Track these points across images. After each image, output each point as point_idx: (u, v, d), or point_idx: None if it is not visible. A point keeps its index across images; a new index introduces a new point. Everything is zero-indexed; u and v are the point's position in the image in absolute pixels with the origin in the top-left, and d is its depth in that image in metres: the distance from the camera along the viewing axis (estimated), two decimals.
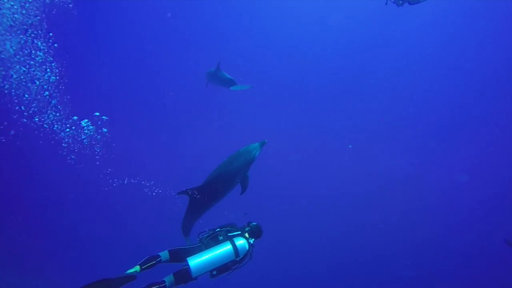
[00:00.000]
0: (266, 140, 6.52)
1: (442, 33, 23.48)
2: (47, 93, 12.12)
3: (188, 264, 4.21)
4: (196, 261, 4.23)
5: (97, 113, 12.29)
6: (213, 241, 4.53)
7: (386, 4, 8.26)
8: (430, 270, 19.81)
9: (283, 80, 23.81)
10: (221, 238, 4.55)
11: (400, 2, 8.19)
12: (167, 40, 23.51)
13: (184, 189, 6.20)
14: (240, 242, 4.48)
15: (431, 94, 23.72)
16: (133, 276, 4.03)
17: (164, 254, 4.46)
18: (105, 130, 12.85)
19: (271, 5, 23.40)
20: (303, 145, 21.82)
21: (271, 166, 16.87)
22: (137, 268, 4.15)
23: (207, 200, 6.58)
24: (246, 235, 4.70)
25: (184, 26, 23.39)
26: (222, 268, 4.40)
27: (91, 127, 13.29)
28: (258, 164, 6.75)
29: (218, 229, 4.77)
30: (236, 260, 4.46)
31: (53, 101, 12.52)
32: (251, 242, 4.68)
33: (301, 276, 18.51)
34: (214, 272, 4.35)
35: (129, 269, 4.11)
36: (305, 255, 18.40)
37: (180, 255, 4.43)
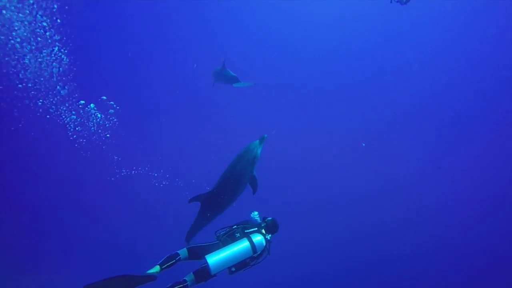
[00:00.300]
0: (266, 135, 6.35)
1: (442, 32, 23.38)
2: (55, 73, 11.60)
3: (207, 262, 4.22)
4: (214, 259, 4.23)
5: (104, 97, 11.72)
6: (230, 238, 4.52)
7: (391, 2, 8.55)
8: (433, 268, 19.47)
9: (289, 80, 23.70)
10: (238, 235, 4.54)
11: (404, 0, 8.54)
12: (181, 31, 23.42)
13: (195, 196, 6.23)
14: (257, 238, 4.46)
15: (432, 93, 23.39)
16: (153, 277, 4.02)
17: (183, 252, 4.44)
18: (111, 111, 12.28)
19: (274, 5, 23.36)
20: (308, 144, 21.72)
21: (274, 165, 16.92)
22: (157, 268, 4.14)
23: (218, 206, 6.61)
24: (263, 231, 4.66)
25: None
26: (240, 265, 4.42)
27: (99, 114, 12.79)
28: (264, 163, 6.65)
29: (235, 226, 4.75)
30: (254, 256, 4.46)
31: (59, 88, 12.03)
32: (268, 238, 4.68)
33: (308, 275, 18.34)
34: (233, 269, 4.38)
35: (149, 269, 4.11)
36: (311, 254, 18.31)
37: (198, 253, 4.41)
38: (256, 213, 5.10)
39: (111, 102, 12.52)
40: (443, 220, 20.38)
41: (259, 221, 4.96)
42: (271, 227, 4.82)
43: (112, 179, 16.40)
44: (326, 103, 23.23)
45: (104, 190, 17.63)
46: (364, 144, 21.46)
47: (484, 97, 22.36)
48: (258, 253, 4.45)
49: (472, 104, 22.55)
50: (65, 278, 14.88)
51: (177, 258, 4.32)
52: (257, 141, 6.38)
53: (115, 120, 13.82)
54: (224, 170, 6.41)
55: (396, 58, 23.61)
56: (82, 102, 11.84)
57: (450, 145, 22.23)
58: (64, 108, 12.01)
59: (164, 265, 4.21)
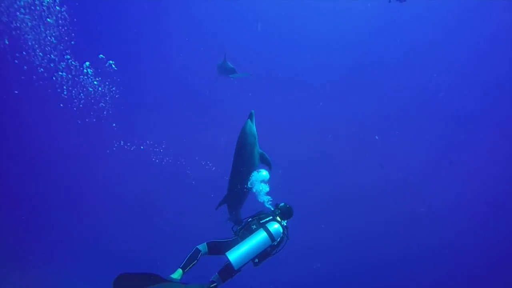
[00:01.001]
0: (253, 111, 6.29)
1: (451, 29, 22.60)
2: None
3: (228, 259, 4.22)
4: (235, 254, 4.23)
5: (102, 56, 9.97)
6: (248, 231, 4.53)
7: (389, 1, 9.01)
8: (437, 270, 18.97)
9: (291, 79, 23.28)
10: (254, 227, 4.55)
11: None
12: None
13: (220, 202, 6.47)
14: (274, 226, 4.46)
15: (434, 93, 22.75)
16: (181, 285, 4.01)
17: (203, 247, 4.42)
18: (112, 63, 10.55)
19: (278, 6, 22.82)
20: (313, 140, 21.38)
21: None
22: (179, 272, 4.14)
23: (243, 194, 6.57)
24: (278, 218, 4.68)
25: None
26: (262, 255, 4.41)
27: (95, 82, 11.05)
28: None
29: (250, 219, 4.74)
30: (274, 245, 4.45)
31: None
32: (284, 224, 4.71)
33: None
34: (256, 260, 4.39)
35: (171, 272, 4.09)
36: (313, 252, 17.77)
37: (218, 248, 4.40)
38: (265, 188, 5.39)
39: (110, 61, 10.76)
40: (451, 218, 19.84)
41: (271, 208, 5.00)
42: (285, 213, 4.82)
43: (108, 151, 14.85)
44: (334, 100, 22.86)
45: (98, 164, 16.10)
46: (377, 137, 21.09)
47: (490, 96, 21.77)
48: (277, 241, 4.44)
49: (478, 103, 22.02)
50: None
51: (199, 256, 4.29)
52: (248, 121, 6.21)
53: (113, 88, 12.13)
54: (233, 164, 6.28)
55: (400, 56, 23.05)
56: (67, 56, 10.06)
57: (458, 143, 21.77)
58: (54, 65, 10.24)
59: (186, 267, 4.16)
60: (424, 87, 22.56)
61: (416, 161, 21.03)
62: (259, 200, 5.54)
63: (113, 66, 10.94)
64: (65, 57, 9.96)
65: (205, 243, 4.43)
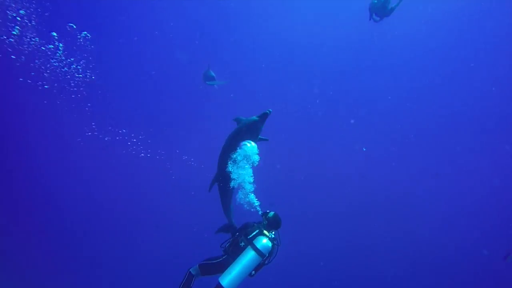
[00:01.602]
0: (269, 110, 5.74)
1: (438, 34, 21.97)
2: None
3: (221, 285, 4.15)
4: (227, 279, 4.19)
5: (73, 25, 8.42)
6: (236, 248, 4.48)
7: (369, 19, 9.37)
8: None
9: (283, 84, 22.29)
10: (242, 244, 4.46)
11: (378, 18, 9.34)
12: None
13: (210, 183, 6.08)
14: (263, 242, 4.37)
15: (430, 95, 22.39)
16: None
17: (195, 271, 4.48)
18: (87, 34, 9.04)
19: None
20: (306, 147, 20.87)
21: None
22: None
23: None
24: (266, 232, 4.53)
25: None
26: (255, 268, 4.40)
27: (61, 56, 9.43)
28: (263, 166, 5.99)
29: (237, 233, 4.66)
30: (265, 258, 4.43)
31: None
32: (272, 236, 4.57)
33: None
34: (252, 272, 4.38)
35: None
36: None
37: (210, 270, 4.45)
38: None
39: (85, 33, 9.19)
40: (442, 225, 19.37)
41: (260, 211, 4.95)
42: (273, 224, 4.68)
43: (79, 139, 13.18)
44: (325, 108, 22.11)
45: (66, 155, 14.35)
46: (365, 149, 20.46)
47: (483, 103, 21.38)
48: (267, 255, 4.40)
49: (468, 111, 21.52)
50: None
51: (193, 281, 4.40)
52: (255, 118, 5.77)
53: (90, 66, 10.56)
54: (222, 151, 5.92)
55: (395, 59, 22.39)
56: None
57: (447, 152, 21.15)
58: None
59: None
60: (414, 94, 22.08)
61: (406, 170, 20.52)
62: (244, 199, 5.30)
63: (88, 36, 9.36)
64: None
65: (197, 265, 4.46)
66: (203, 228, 19.24)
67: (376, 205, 19.16)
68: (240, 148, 5.53)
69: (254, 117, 5.72)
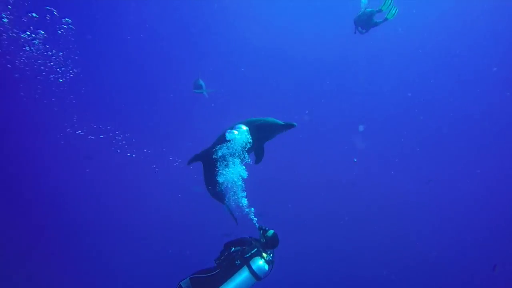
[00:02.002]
0: (295, 124, 5.47)
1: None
2: None
3: None
4: None
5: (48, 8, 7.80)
6: (231, 265, 4.34)
7: (355, 33, 9.51)
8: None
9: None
10: (238, 262, 4.33)
11: (364, 31, 9.43)
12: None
13: (194, 155, 5.67)
14: (259, 263, 4.28)
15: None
16: None
17: (186, 284, 4.33)
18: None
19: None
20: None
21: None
22: None
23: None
24: (264, 254, 4.40)
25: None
26: None
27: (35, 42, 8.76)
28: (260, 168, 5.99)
29: (233, 248, 4.51)
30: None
31: None
32: (269, 258, 4.45)
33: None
34: None
35: None
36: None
37: (202, 285, 4.30)
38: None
39: (66, 20, 8.58)
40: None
41: (256, 224, 4.84)
42: (270, 244, 4.56)
43: (60, 135, 12.47)
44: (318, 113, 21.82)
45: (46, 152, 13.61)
46: (355, 160, 20.35)
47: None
48: (262, 277, 4.32)
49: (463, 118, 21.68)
50: None
51: None
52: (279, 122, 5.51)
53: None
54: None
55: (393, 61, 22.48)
56: None
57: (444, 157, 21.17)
58: None
59: None
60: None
61: (400, 174, 20.46)
62: (235, 202, 5.26)
63: (71, 26, 8.74)
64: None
65: (188, 278, 4.35)
66: (189, 229, 19.12)
67: (371, 209, 18.99)
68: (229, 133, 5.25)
69: (280, 121, 5.48)
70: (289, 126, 5.43)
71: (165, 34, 19.26)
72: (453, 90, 21.74)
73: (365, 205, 19.10)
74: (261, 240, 4.56)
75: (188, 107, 18.75)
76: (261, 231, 4.63)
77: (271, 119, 5.55)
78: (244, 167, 5.45)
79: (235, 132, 5.19)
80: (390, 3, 8.74)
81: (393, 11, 8.78)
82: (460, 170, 20.45)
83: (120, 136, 14.69)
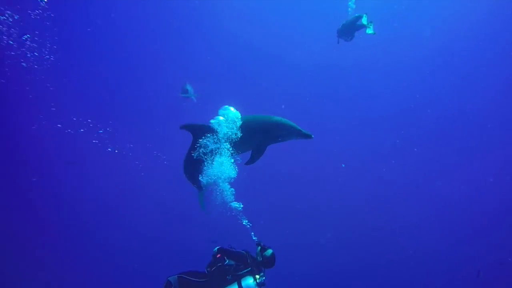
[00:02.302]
0: (312, 136, 5.26)
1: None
2: None
3: None
4: None
5: None
6: (221, 278, 4.28)
7: (338, 43, 9.80)
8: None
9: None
10: (229, 277, 4.30)
11: (349, 38, 9.58)
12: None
13: (191, 124, 5.25)
14: (249, 282, 4.25)
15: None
16: None
17: (174, 280, 4.28)
18: None
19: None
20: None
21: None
22: None
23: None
24: (257, 276, 4.35)
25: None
26: None
27: None
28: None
29: (227, 261, 4.42)
30: None
31: None
32: (261, 280, 4.36)
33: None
34: None
35: None
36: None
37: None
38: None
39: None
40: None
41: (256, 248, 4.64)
42: (266, 264, 4.47)
43: (34, 127, 11.56)
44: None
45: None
46: (344, 165, 19.93)
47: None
48: None
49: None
50: None
51: None
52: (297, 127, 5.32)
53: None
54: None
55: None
56: None
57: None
58: None
59: None
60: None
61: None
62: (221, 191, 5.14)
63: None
64: None
65: (176, 276, 4.31)
66: (174, 229, 18.54)
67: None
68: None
69: (296, 126, 5.25)
70: (306, 136, 5.27)
71: (145, 18, 18.52)
72: (444, 92, 21.67)
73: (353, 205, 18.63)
74: (258, 258, 4.47)
75: (174, 100, 18.09)
76: (259, 248, 4.52)
77: (290, 121, 5.32)
78: (232, 160, 5.24)
79: (220, 117, 4.90)
80: (367, 22, 8.92)
81: (370, 26, 8.96)
82: (449, 172, 20.28)
83: (101, 130, 13.97)
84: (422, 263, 18.04)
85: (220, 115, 4.95)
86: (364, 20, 8.96)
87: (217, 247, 4.52)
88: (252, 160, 5.46)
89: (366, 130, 20.65)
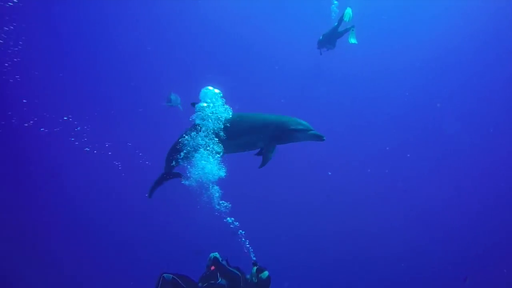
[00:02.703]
0: (324, 137, 5.18)
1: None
2: None
3: None
4: None
5: None
6: None
7: (321, 54, 9.89)
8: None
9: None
10: None
11: (331, 47, 9.59)
12: None
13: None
14: None
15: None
16: None
17: (168, 279, 4.14)
18: None
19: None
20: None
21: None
22: None
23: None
24: None
25: None
26: None
27: None
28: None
29: (220, 280, 4.28)
30: None
31: None
32: None
33: None
34: None
35: None
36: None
37: None
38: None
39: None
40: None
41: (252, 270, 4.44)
42: (261, 286, 4.29)
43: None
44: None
45: None
46: (330, 173, 19.70)
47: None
48: None
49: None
50: None
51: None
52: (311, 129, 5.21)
53: None
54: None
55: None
56: None
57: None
58: None
59: None
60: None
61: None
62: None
63: None
64: None
65: (171, 276, 4.12)
66: (155, 233, 17.87)
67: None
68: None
69: (313, 130, 5.20)
70: (318, 137, 5.21)
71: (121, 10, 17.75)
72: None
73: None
74: (253, 279, 4.34)
75: (157, 95, 17.42)
76: (255, 268, 4.35)
77: (303, 121, 5.27)
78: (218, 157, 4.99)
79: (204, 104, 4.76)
80: (349, 16, 8.79)
81: (349, 12, 8.81)
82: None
83: (78, 128, 13.07)
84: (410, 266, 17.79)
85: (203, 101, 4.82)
86: (346, 17, 8.77)
87: (214, 255, 4.39)
88: (264, 162, 5.36)
89: (364, 131, 20.68)
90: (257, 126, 5.30)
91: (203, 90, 4.92)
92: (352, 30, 8.89)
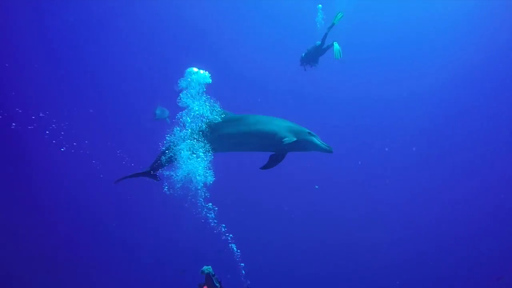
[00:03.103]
0: (332, 150, 5.08)
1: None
2: None
3: None
4: None
5: None
6: None
7: (305, 70, 9.74)
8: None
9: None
10: None
11: (316, 64, 9.60)
12: None
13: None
14: None
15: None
16: None
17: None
18: None
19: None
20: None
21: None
22: None
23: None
24: None
25: None
26: None
27: None
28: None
29: None
30: None
31: None
32: None
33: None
34: None
35: None
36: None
37: None
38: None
39: None
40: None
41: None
42: None
43: None
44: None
45: None
46: (317, 187, 19.56)
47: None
48: None
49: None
50: None
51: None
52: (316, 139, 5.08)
53: None
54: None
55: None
56: None
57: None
58: None
59: None
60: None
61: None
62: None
63: None
64: None
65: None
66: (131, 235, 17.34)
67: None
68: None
69: (318, 140, 5.06)
70: (327, 150, 5.14)
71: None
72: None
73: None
74: None
75: (141, 91, 16.81)
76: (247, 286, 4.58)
77: (313, 136, 5.14)
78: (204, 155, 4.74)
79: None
80: (340, 16, 8.77)
81: (339, 16, 8.77)
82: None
83: (55, 125, 12.42)
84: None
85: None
86: (336, 19, 8.77)
87: (207, 269, 4.35)
88: (272, 165, 5.30)
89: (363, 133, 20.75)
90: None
91: (188, 70, 4.66)
92: (335, 45, 8.90)
